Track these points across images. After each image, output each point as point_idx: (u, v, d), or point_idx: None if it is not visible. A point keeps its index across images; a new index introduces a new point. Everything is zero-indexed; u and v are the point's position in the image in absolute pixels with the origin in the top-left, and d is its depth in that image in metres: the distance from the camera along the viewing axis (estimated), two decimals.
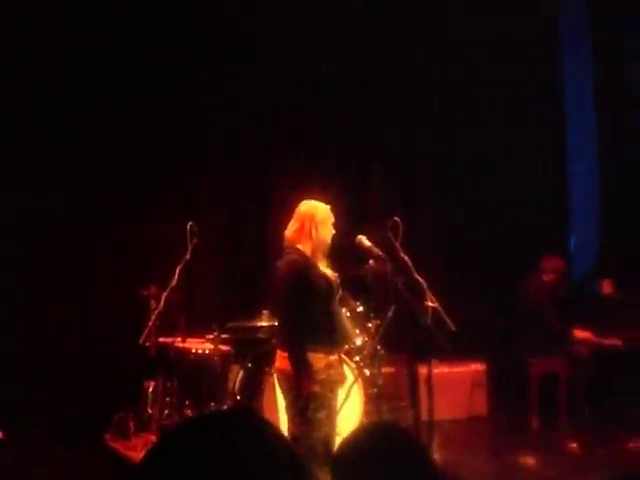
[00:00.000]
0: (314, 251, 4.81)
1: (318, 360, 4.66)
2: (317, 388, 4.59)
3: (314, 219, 4.81)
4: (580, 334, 7.53)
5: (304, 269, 4.72)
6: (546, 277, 7.57)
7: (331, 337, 4.77)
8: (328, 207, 4.92)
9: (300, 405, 4.60)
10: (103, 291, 7.20)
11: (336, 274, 4.94)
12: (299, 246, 4.81)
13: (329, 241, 4.89)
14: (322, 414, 4.63)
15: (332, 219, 4.91)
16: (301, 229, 4.82)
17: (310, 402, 4.57)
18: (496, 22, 8.27)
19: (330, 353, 4.76)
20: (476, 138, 8.44)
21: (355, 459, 2.08)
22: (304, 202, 4.94)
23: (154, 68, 7.41)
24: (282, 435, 1.77)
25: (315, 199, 5.00)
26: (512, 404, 7.80)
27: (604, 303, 8.02)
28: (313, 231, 4.79)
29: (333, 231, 4.91)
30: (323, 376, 4.66)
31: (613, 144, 8.94)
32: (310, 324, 4.66)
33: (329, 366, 4.73)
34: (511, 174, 8.54)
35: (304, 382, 4.56)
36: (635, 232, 8.63)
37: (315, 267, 4.78)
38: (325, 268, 4.87)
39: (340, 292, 4.98)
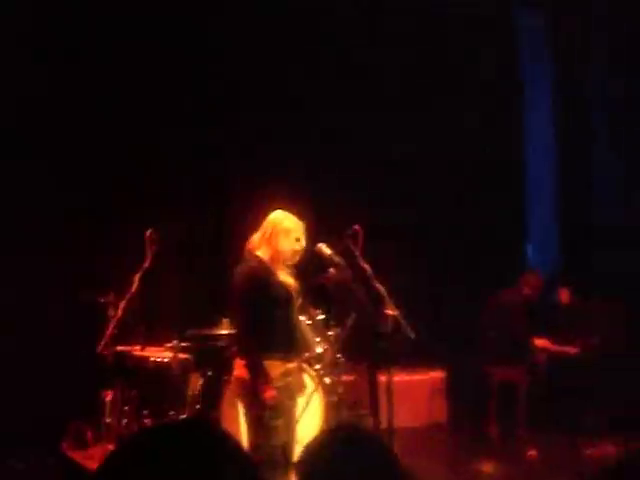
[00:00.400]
0: (272, 259, 4.78)
1: (275, 367, 4.64)
2: (273, 395, 4.56)
3: (276, 228, 4.78)
4: (538, 342, 7.64)
5: (261, 277, 4.69)
6: (524, 291, 7.69)
7: (289, 345, 4.75)
8: (299, 222, 4.84)
9: (257, 412, 4.58)
10: (60, 298, 7.11)
11: (296, 282, 4.92)
12: (258, 252, 4.79)
13: (288, 254, 4.81)
14: (279, 422, 4.60)
15: (299, 234, 4.81)
16: (262, 235, 4.81)
17: (267, 409, 4.55)
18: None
19: (288, 361, 4.74)
20: (444, 141, 8.50)
21: (321, 462, 2.08)
22: (276, 211, 4.90)
23: (140, 76, 7.45)
24: (239, 445, 1.76)
25: (281, 206, 4.94)
26: (472, 411, 7.86)
27: (561, 311, 8.11)
28: (273, 239, 4.77)
29: (297, 247, 4.81)
30: (281, 383, 4.63)
31: (573, 148, 9.07)
32: (267, 332, 4.63)
33: (287, 374, 4.71)
34: (472, 178, 8.61)
35: (260, 389, 4.54)
36: (594, 239, 8.75)
37: (273, 274, 4.75)
38: (286, 276, 4.85)
39: (300, 300, 4.96)
